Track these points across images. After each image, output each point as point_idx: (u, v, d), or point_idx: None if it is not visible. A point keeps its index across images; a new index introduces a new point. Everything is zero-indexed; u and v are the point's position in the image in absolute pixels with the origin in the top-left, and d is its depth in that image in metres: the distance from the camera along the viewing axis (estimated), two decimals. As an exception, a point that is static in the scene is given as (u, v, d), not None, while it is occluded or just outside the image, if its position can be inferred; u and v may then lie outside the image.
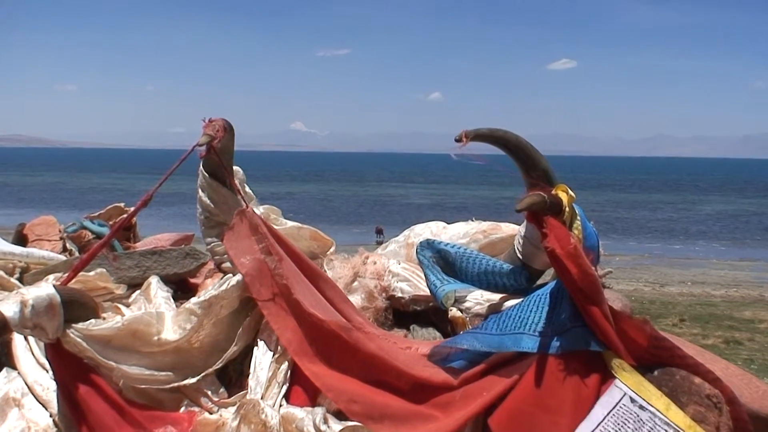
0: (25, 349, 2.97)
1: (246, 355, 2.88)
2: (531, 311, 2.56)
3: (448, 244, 3.14)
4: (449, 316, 2.94)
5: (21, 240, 4.38)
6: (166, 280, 3.50)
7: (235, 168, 3.38)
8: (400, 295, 3.17)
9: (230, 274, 3.02)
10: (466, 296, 2.98)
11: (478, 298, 2.96)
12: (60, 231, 4.44)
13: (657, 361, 2.43)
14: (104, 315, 2.90)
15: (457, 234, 3.40)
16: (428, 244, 3.13)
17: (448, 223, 3.64)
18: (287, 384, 2.72)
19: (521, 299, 2.71)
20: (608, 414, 2.29)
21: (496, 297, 2.96)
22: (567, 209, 2.57)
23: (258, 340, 2.87)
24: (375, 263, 3.29)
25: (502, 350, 2.52)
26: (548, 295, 2.59)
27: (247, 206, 3.04)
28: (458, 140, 2.67)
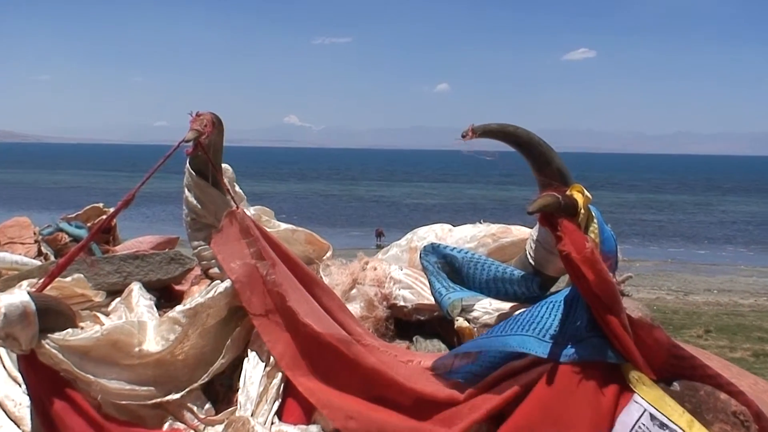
0: (-4, 362, 2.97)
1: (235, 368, 2.88)
2: (542, 316, 2.57)
3: (454, 248, 3.14)
4: (455, 326, 2.94)
5: (-8, 243, 4.38)
6: (149, 286, 3.51)
7: (224, 166, 3.39)
8: (402, 303, 3.17)
9: (218, 281, 3.02)
10: (473, 305, 2.98)
11: (487, 307, 2.97)
12: (34, 233, 4.44)
13: (677, 373, 2.44)
14: (82, 324, 2.90)
15: (464, 238, 3.40)
16: (433, 249, 3.13)
17: (455, 226, 3.65)
18: (280, 400, 2.72)
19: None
20: None
21: (506, 306, 2.96)
22: (583, 211, 2.57)
23: (248, 351, 2.87)
24: (375, 269, 3.29)
25: (506, 350, 2.53)
26: (562, 301, 2.59)
27: (237, 207, 3.04)
28: (464, 136, 2.68)
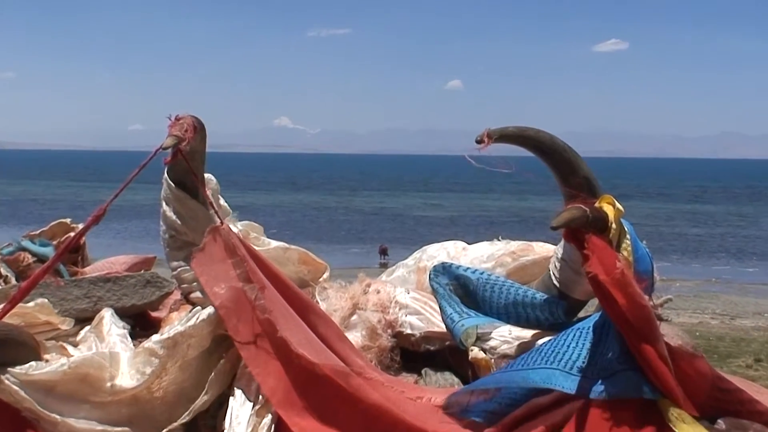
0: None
1: (220, 405, 2.88)
2: (568, 346, 2.57)
3: (468, 268, 3.15)
4: (470, 357, 2.94)
5: (-56, 264, 4.39)
6: (122, 313, 3.52)
7: (207, 176, 3.40)
8: (409, 331, 3.18)
9: (200, 307, 3.03)
10: (490, 333, 2.98)
11: (506, 336, 2.96)
12: (-8, 253, 4.46)
13: (722, 408, 2.44)
14: (47, 356, 2.91)
15: (480, 257, 3.41)
16: (444, 269, 3.13)
17: (468, 242, 3.66)
18: (270, 441, 2.73)
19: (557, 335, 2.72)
20: None
21: (527, 334, 2.96)
22: (614, 226, 2.58)
23: (234, 387, 2.88)
24: (378, 292, 3.30)
25: (528, 385, 2.53)
26: (591, 329, 2.60)
27: (221, 222, 3.06)
28: (479, 141, 2.70)
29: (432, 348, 3.16)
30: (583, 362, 2.51)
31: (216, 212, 3.17)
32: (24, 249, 4.43)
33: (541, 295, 2.96)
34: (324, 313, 3.10)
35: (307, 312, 2.98)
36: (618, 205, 2.64)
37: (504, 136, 2.76)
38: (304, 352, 2.75)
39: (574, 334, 2.61)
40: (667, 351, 2.43)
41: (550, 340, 2.68)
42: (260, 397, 2.80)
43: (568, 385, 2.47)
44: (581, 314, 3.03)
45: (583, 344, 2.56)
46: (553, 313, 2.94)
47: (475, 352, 2.93)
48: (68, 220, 4.80)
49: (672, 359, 2.43)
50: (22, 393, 2.62)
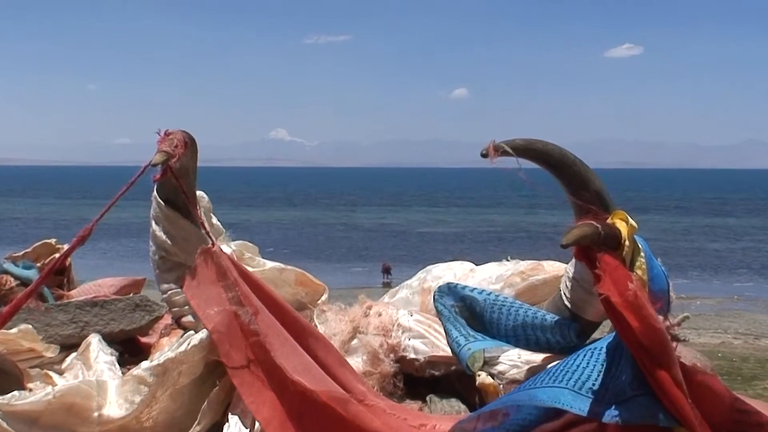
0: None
1: (214, 436, 2.88)
2: (578, 366, 2.57)
3: (474, 289, 3.15)
4: (477, 382, 2.94)
5: None
6: (110, 339, 3.52)
7: (198, 193, 3.41)
8: (412, 356, 3.17)
9: (192, 331, 3.03)
10: (498, 357, 2.98)
11: (515, 360, 2.96)
12: (-27, 276, 4.46)
13: (739, 429, 2.44)
14: (30, 385, 2.91)
15: (488, 278, 3.41)
16: (449, 290, 3.14)
17: (476, 260, 3.66)
18: (267, 474, 2.72)
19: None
20: None
21: (537, 358, 2.95)
22: (627, 243, 2.59)
23: (229, 416, 2.88)
24: (380, 315, 3.30)
25: (534, 404, 2.53)
26: (603, 350, 2.59)
27: (213, 243, 3.06)
28: (485, 155, 2.70)
29: (437, 373, 3.16)
30: (594, 384, 2.50)
31: (207, 232, 3.18)
32: (6, 272, 4.44)
33: (551, 317, 2.96)
34: (323, 337, 3.10)
35: (305, 336, 2.98)
36: (631, 221, 2.64)
37: (511, 149, 2.77)
38: (301, 379, 2.76)
39: (585, 355, 2.61)
40: (683, 371, 2.43)
41: (561, 361, 2.68)
42: (256, 426, 2.80)
43: (578, 405, 2.46)
44: (596, 335, 3.02)
45: (594, 365, 2.56)
46: (565, 335, 2.93)
47: (483, 378, 2.93)
48: (53, 241, 4.81)
49: (686, 378, 2.43)
50: (5, 424, 2.62)
